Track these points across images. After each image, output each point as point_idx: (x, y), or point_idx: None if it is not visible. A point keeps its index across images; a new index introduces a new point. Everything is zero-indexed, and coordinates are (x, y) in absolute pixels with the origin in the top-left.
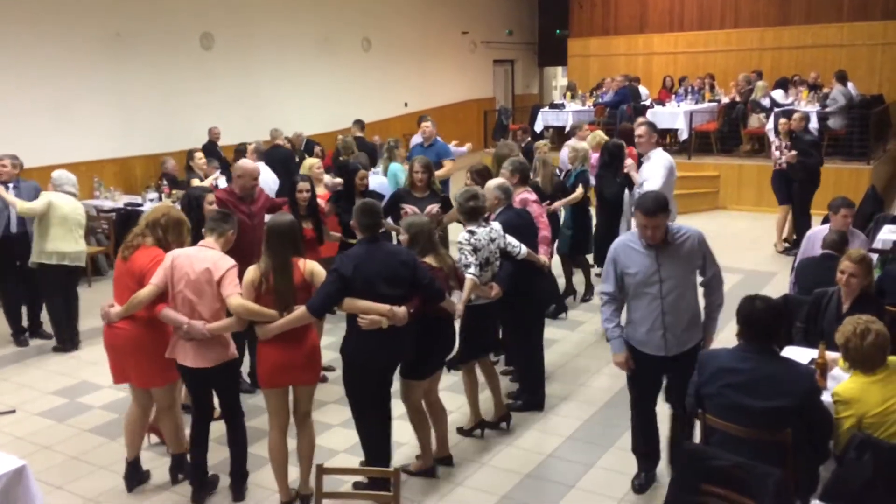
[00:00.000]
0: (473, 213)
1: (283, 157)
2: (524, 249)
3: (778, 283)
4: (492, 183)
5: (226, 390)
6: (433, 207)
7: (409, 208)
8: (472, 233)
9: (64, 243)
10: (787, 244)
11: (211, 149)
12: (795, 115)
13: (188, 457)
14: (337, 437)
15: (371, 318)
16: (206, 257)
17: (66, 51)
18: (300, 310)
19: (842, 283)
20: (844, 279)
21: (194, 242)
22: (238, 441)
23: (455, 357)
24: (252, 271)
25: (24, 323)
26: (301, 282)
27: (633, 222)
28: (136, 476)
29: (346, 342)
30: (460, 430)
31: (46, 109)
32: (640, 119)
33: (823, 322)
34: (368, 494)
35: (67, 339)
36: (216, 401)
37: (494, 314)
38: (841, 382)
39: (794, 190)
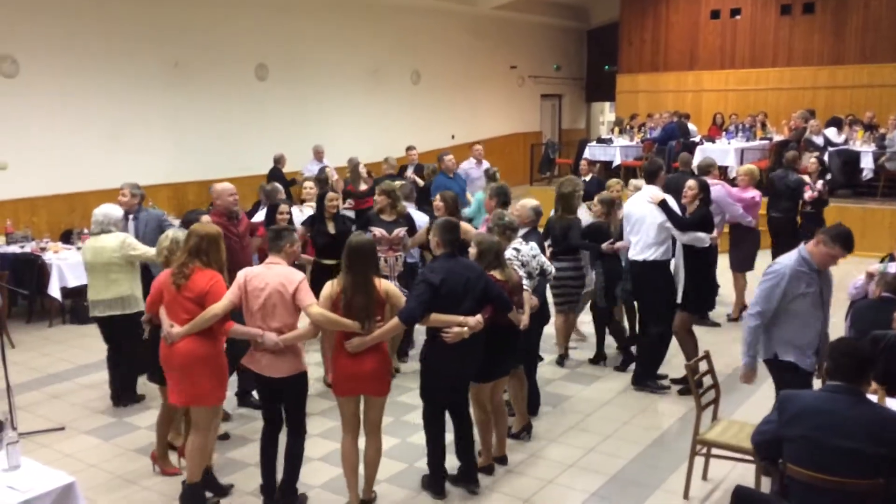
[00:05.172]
0: (508, 238)
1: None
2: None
3: (830, 326)
4: (528, 202)
5: (294, 401)
6: (400, 231)
7: (376, 231)
8: (517, 250)
9: (93, 292)
10: None
11: (276, 175)
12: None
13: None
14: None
15: (455, 331)
16: (277, 272)
17: (126, 78)
18: (392, 321)
19: None
20: None
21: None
22: (294, 454)
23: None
24: (330, 286)
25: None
26: (379, 300)
27: None
28: (217, 488)
29: (426, 350)
30: (508, 433)
31: (105, 135)
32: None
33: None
34: None
35: (122, 394)
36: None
37: (534, 325)
38: None
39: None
